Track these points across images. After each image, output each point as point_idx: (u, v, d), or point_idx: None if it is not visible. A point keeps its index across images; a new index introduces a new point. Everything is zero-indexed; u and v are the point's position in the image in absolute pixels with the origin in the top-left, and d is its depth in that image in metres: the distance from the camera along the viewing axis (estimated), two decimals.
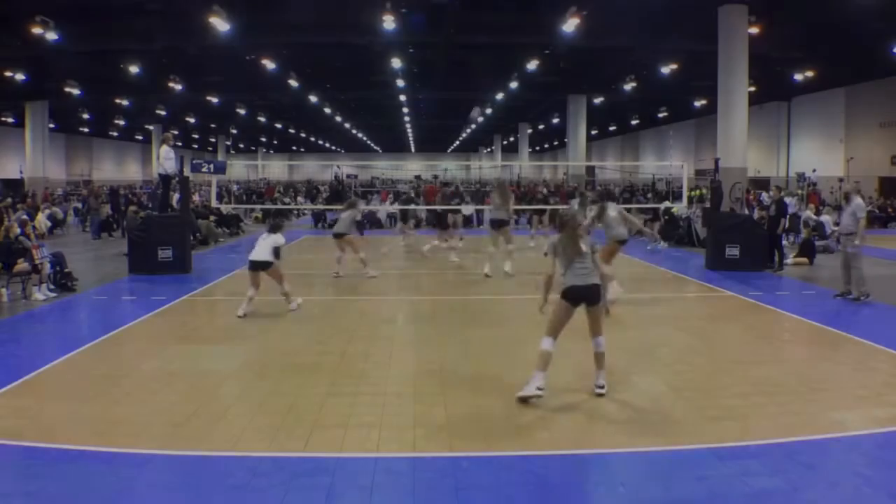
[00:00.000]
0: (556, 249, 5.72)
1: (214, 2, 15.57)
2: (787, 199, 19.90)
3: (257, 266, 8.64)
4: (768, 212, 14.05)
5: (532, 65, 22.56)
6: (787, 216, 18.34)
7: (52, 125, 33.35)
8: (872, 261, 10.10)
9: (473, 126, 23.00)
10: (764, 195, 22.84)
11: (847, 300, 9.80)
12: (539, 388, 5.46)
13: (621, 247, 9.35)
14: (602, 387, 5.65)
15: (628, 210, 20.64)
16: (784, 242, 16.92)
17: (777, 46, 19.61)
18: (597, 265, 5.73)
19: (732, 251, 12.92)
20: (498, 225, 12.12)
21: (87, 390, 5.74)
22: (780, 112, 32.00)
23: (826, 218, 17.25)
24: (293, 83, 25.68)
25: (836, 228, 17.07)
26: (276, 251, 8.71)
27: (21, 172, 33.61)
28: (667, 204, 19.53)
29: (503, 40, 20.59)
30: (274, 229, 8.80)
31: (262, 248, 8.64)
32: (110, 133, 48.87)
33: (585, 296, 5.55)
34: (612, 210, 9.18)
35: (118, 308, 9.47)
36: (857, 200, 9.93)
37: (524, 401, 5.41)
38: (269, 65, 22.55)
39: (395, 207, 21.70)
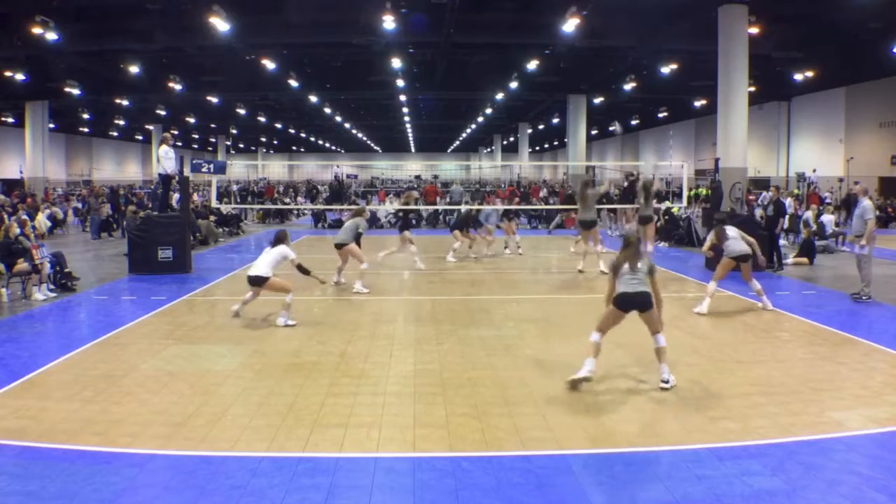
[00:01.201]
0: (615, 268, 6.06)
1: (214, 2, 15.59)
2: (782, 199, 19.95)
3: (255, 281, 8.25)
4: (766, 212, 14.04)
5: (532, 65, 22.57)
6: (787, 216, 18.41)
7: (52, 125, 33.38)
8: (873, 260, 10.12)
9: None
10: (766, 195, 22.83)
11: (855, 300, 9.78)
12: (590, 372, 5.82)
13: (739, 263, 9.39)
14: (666, 381, 5.81)
15: (626, 211, 20.65)
16: (783, 242, 16.95)
17: (777, 46, 19.63)
18: (652, 283, 5.99)
19: None
20: (588, 226, 12.51)
21: (87, 390, 5.74)
22: (780, 112, 32.02)
23: (828, 217, 17.20)
24: (293, 83, 25.70)
25: (836, 228, 17.07)
26: (299, 266, 8.41)
27: (21, 172, 33.66)
28: (667, 204, 19.53)
29: (503, 40, 20.60)
30: (276, 242, 8.50)
31: (263, 262, 8.30)
32: (110, 133, 48.89)
33: (635, 302, 5.87)
34: (731, 231, 9.49)
35: (118, 308, 9.46)
36: (865, 202, 9.87)
37: (574, 385, 5.75)
38: (269, 65, 22.57)
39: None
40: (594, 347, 5.89)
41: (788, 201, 19.86)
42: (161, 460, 4.39)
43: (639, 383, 5.98)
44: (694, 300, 10.16)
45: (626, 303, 5.87)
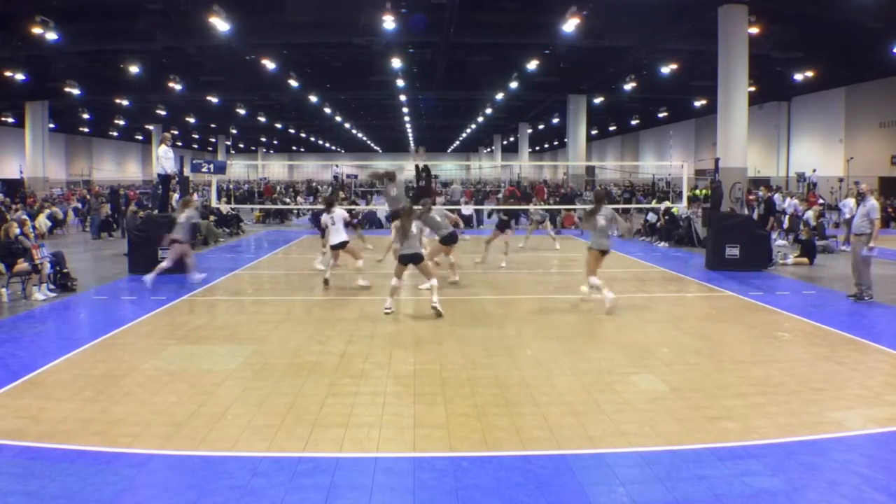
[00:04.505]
0: (397, 230, 9.13)
1: (214, 2, 15.59)
2: (777, 198, 19.87)
3: (340, 246, 10.24)
4: (758, 210, 14.06)
5: (532, 65, 22.58)
6: (787, 215, 18.39)
7: (52, 125, 33.37)
8: (873, 261, 10.13)
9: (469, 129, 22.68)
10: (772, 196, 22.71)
11: (854, 301, 9.75)
12: (388, 308, 8.78)
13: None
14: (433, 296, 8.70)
15: (627, 210, 20.65)
16: (784, 242, 16.95)
17: (777, 46, 19.64)
18: (422, 243, 9.21)
19: (732, 251, 12.92)
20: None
21: (87, 390, 5.74)
22: (780, 112, 32.02)
23: (848, 202, 16.80)
24: (293, 83, 25.70)
25: (848, 215, 16.75)
26: (348, 224, 10.47)
27: (21, 172, 33.66)
28: (667, 204, 19.53)
29: (503, 40, 20.61)
30: (329, 207, 10.25)
31: (339, 230, 10.14)
32: (110, 133, 48.88)
33: (411, 259, 8.84)
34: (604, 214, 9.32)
35: (118, 308, 9.46)
36: (872, 201, 9.86)
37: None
38: (269, 65, 22.58)
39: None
40: (394, 290, 8.86)
41: (793, 202, 19.85)
42: (161, 460, 4.38)
43: (638, 383, 5.97)
44: (694, 300, 10.18)
45: (407, 260, 8.78)
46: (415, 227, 8.82)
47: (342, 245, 10.21)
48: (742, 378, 6.13)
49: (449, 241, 10.97)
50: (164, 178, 13.88)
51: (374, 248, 14.68)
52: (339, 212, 10.21)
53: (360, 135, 57.65)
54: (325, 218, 10.21)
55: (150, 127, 42.81)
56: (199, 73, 25.45)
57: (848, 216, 16.17)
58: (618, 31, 19.17)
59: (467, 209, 21.34)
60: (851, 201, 16.31)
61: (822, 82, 26.30)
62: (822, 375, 6.20)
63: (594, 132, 47.18)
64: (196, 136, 54.99)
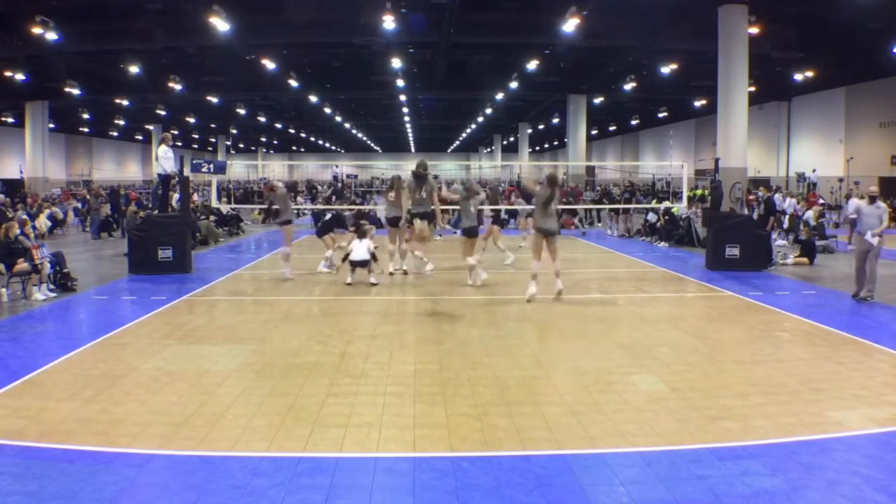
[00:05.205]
0: (406, 190, 10.90)
1: (214, 2, 15.60)
2: (777, 198, 19.85)
3: (362, 265, 11.11)
4: (758, 210, 14.09)
5: (532, 65, 22.59)
6: (787, 215, 18.39)
7: (52, 125, 33.37)
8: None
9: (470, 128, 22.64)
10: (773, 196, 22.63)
11: (857, 301, 9.75)
12: (430, 270, 11.50)
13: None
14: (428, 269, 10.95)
15: (627, 211, 20.64)
16: (784, 242, 16.95)
17: (777, 46, 19.65)
18: (433, 201, 10.49)
19: (732, 251, 12.92)
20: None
21: (87, 390, 5.73)
22: (780, 112, 32.03)
23: (856, 202, 16.85)
24: (293, 83, 25.71)
25: (854, 216, 16.78)
26: (373, 255, 11.12)
27: (21, 172, 33.67)
28: (667, 204, 19.52)
29: (503, 40, 20.62)
30: (362, 235, 11.13)
31: (362, 249, 11.00)
32: (110, 133, 48.89)
33: (421, 216, 10.16)
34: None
35: (118, 308, 9.46)
36: (882, 205, 10.24)
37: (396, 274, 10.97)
38: (269, 65, 22.59)
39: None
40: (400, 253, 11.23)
41: (792, 202, 19.83)
42: (161, 460, 4.38)
43: (638, 383, 5.97)
44: (694, 300, 10.17)
45: (417, 216, 10.16)
46: (424, 192, 10.29)
47: (362, 264, 11.14)
48: (742, 378, 6.13)
49: (469, 233, 11.17)
50: (164, 178, 13.88)
51: (379, 247, 14.76)
52: (368, 242, 11.32)
53: (360, 135, 57.67)
54: (355, 243, 11.24)
55: (150, 127, 42.80)
56: (199, 73, 25.45)
57: (853, 216, 16.23)
58: (618, 31, 19.18)
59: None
60: (856, 201, 16.34)
61: (822, 82, 26.32)
62: (822, 375, 6.20)
63: (594, 132, 47.21)
64: (196, 136, 55.00)
